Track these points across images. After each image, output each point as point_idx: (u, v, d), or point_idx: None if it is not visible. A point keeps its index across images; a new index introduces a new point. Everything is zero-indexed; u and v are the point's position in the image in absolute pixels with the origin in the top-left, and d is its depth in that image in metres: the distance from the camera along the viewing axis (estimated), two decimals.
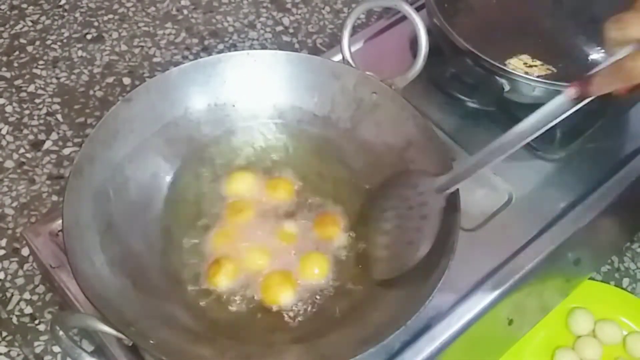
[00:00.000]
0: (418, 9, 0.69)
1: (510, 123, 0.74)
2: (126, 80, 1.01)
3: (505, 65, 0.70)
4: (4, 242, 0.85)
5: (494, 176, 0.71)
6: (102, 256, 0.58)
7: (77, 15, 1.09)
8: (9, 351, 0.76)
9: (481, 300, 0.63)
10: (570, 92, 0.53)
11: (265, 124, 0.70)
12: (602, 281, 0.85)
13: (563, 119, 0.73)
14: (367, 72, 0.68)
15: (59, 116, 0.97)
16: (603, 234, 0.78)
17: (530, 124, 0.55)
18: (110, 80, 1.01)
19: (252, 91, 0.69)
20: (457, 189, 0.58)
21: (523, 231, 0.68)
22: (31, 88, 1.00)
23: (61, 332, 0.50)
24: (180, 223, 0.65)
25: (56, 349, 0.76)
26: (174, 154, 0.67)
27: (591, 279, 0.84)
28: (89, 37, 1.06)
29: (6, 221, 0.86)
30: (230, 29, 1.08)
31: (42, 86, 1.00)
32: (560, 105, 0.54)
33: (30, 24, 1.08)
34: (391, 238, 0.61)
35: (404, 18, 0.72)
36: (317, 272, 0.62)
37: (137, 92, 0.65)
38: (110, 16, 1.09)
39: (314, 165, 0.69)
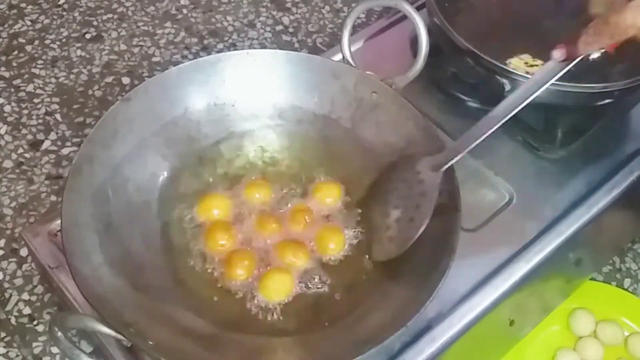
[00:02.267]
0: (418, 9, 0.69)
1: (511, 123, 0.74)
2: (125, 80, 1.01)
3: (506, 64, 0.70)
4: (2, 243, 0.84)
5: (494, 176, 0.71)
6: (100, 256, 0.58)
7: (76, 14, 1.09)
8: (8, 352, 0.76)
9: (482, 300, 0.63)
10: (557, 54, 0.54)
11: (265, 123, 0.70)
12: (603, 282, 0.85)
13: (562, 119, 0.74)
14: (367, 72, 0.68)
15: (57, 116, 0.96)
16: (604, 234, 0.78)
17: (522, 92, 0.56)
18: (109, 79, 1.01)
19: (251, 91, 0.69)
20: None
21: (524, 231, 0.68)
22: (30, 88, 0.99)
23: (60, 333, 0.50)
24: (180, 223, 0.65)
25: (55, 349, 0.76)
26: (173, 153, 0.67)
27: (592, 279, 0.84)
28: (88, 36, 1.06)
29: (5, 221, 0.86)
30: (230, 29, 1.08)
31: (41, 86, 1.00)
32: (549, 70, 0.55)
33: (29, 23, 1.07)
34: (393, 218, 0.61)
35: (404, 17, 0.72)
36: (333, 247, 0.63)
37: (136, 92, 0.65)
38: (110, 15, 1.09)
39: (313, 165, 0.69)
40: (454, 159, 0.59)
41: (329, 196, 0.66)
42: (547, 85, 0.55)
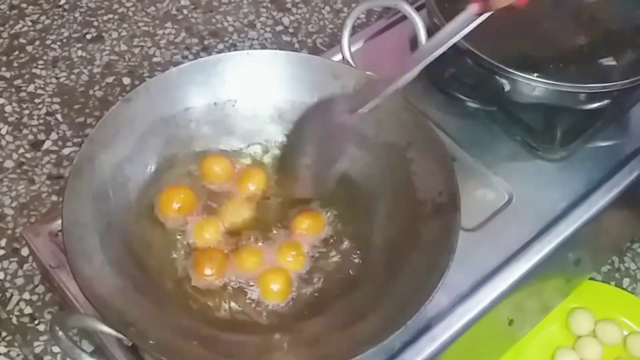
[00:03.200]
0: (418, 9, 0.69)
1: (511, 123, 0.74)
2: (126, 80, 1.01)
3: (505, 65, 0.70)
4: (3, 242, 0.84)
5: (494, 176, 0.71)
6: (101, 256, 0.58)
7: (77, 15, 1.09)
8: (9, 351, 0.76)
9: (481, 300, 0.63)
10: (472, 8, 0.58)
11: (265, 123, 0.70)
12: (602, 281, 0.85)
13: (562, 119, 0.74)
14: (367, 72, 0.68)
15: (58, 116, 0.96)
16: (603, 234, 0.78)
17: (434, 42, 0.59)
18: (110, 80, 1.01)
19: (252, 91, 0.69)
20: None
21: (523, 231, 0.68)
22: (31, 88, 1.00)
23: (61, 333, 0.50)
24: (180, 223, 0.65)
25: (56, 349, 0.76)
26: (173, 154, 0.67)
27: (591, 279, 0.84)
28: (88, 37, 1.06)
29: (6, 221, 0.86)
30: (230, 29, 1.08)
31: (42, 86, 1.00)
32: (463, 21, 0.58)
33: (30, 23, 1.07)
34: (312, 158, 0.63)
35: (404, 18, 0.72)
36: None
37: (137, 92, 0.65)
38: (110, 16, 1.09)
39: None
40: (368, 103, 0.61)
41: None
42: (459, 37, 0.59)
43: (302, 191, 0.64)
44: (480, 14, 0.58)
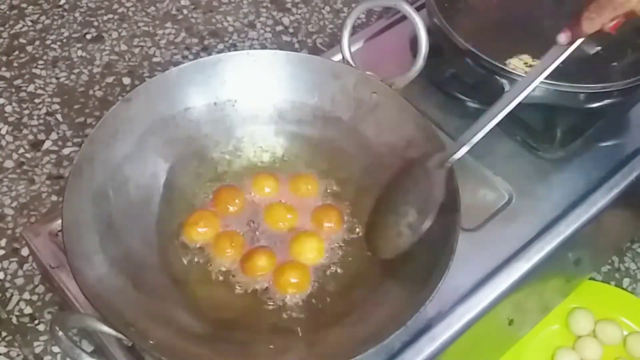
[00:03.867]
0: (418, 9, 0.69)
1: (511, 123, 0.74)
2: (126, 80, 1.01)
3: (505, 65, 0.70)
4: (3, 242, 0.85)
5: (494, 176, 0.71)
6: (101, 256, 0.58)
7: (77, 15, 1.09)
8: (9, 351, 0.76)
9: (481, 300, 0.63)
10: (563, 37, 0.57)
11: (265, 123, 0.70)
12: (602, 281, 0.85)
13: (562, 119, 0.74)
14: (367, 72, 0.68)
15: (58, 116, 0.97)
16: (603, 234, 0.78)
17: (529, 79, 0.59)
18: (110, 80, 1.01)
19: (252, 91, 0.69)
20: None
21: (523, 231, 0.68)
22: (31, 88, 1.00)
23: (61, 333, 0.50)
24: (180, 223, 0.65)
25: (56, 349, 0.77)
26: (173, 154, 0.67)
27: (591, 279, 0.84)
28: (88, 37, 1.06)
29: (6, 221, 0.86)
30: (230, 29, 1.08)
31: (42, 86, 1.00)
32: (555, 53, 0.58)
33: (30, 23, 1.08)
34: (401, 214, 0.62)
35: (404, 18, 0.72)
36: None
37: (137, 92, 0.65)
38: (110, 16, 1.09)
39: (313, 165, 0.69)
40: (459, 151, 0.60)
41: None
42: (551, 69, 0.58)
43: (389, 251, 0.61)
44: (570, 44, 0.58)
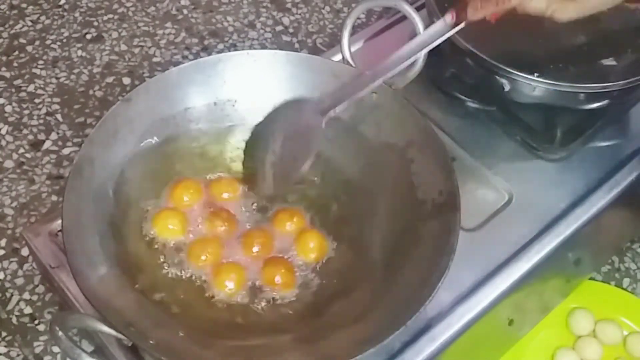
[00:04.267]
0: (418, 9, 0.69)
1: (511, 123, 0.74)
2: (126, 80, 1.01)
3: (505, 65, 0.70)
4: (3, 242, 0.85)
5: (494, 176, 0.71)
6: (101, 256, 0.58)
7: (77, 15, 1.09)
8: (9, 351, 0.76)
9: (481, 300, 0.63)
10: (448, 17, 0.61)
11: None
12: (602, 281, 0.85)
13: (562, 119, 0.74)
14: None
15: (58, 116, 0.97)
16: (603, 234, 0.78)
17: (407, 50, 0.62)
18: (110, 80, 1.01)
19: (252, 91, 0.69)
20: None
21: (523, 231, 0.68)
22: (31, 88, 1.00)
23: (61, 333, 0.50)
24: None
25: (56, 349, 0.77)
26: (173, 154, 0.67)
27: (591, 279, 0.84)
28: (88, 37, 1.06)
29: (6, 221, 0.86)
30: (230, 29, 1.08)
31: (42, 86, 1.00)
32: (438, 31, 0.62)
33: (29, 23, 1.08)
34: (278, 157, 0.64)
35: (404, 18, 0.72)
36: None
37: (137, 92, 0.65)
38: (110, 16, 1.09)
39: (313, 166, 0.69)
40: (337, 106, 0.62)
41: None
42: (434, 45, 0.61)
43: (264, 188, 0.65)
44: (454, 25, 0.61)
